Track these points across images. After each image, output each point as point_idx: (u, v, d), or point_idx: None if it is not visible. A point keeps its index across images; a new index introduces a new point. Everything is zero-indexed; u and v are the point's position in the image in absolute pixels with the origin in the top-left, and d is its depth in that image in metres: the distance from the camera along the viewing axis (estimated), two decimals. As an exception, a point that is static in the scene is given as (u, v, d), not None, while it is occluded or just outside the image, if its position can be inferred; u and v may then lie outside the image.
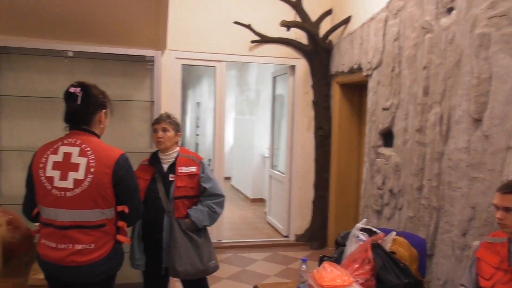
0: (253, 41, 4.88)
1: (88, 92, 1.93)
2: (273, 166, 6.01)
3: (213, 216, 2.52)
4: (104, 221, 1.90)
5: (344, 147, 4.86)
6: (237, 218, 6.31)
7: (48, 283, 2.02)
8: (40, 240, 1.95)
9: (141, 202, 2.11)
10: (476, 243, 2.30)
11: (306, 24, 4.78)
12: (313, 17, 4.89)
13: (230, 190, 8.65)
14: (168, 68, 4.65)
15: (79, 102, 1.89)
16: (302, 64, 5.09)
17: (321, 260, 2.32)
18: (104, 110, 2.02)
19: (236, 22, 4.76)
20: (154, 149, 2.64)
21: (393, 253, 2.19)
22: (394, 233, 2.33)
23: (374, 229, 2.36)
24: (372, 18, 3.83)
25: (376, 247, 2.14)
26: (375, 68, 3.74)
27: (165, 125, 2.50)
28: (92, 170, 1.85)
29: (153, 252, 2.49)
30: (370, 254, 2.08)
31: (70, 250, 1.86)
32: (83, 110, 1.92)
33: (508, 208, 1.78)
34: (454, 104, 2.60)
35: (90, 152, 1.88)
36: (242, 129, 8.26)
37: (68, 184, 1.85)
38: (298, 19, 4.86)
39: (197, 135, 12.65)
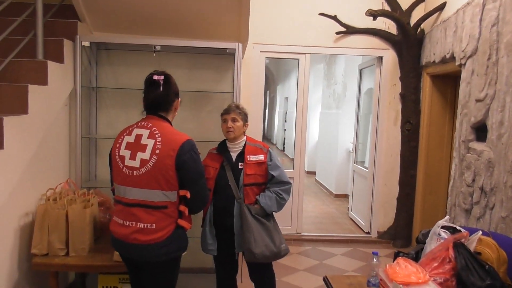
0: (338, 32, 4.80)
1: (169, 80, 2.08)
2: (357, 161, 5.87)
3: (281, 202, 2.56)
4: (167, 203, 1.97)
5: (433, 143, 4.55)
6: (318, 213, 6.27)
7: (122, 260, 2.17)
8: (113, 217, 2.10)
9: (206, 189, 2.15)
10: None
11: (394, 12, 4.56)
12: (404, 5, 4.66)
13: (314, 185, 8.60)
14: (253, 61, 4.79)
15: (161, 89, 2.03)
16: (390, 55, 4.88)
17: (396, 256, 2.23)
18: (179, 99, 2.16)
19: (321, 14, 4.71)
20: None
21: (478, 253, 2.02)
22: (480, 232, 2.15)
23: (458, 227, 2.20)
24: (468, 3, 3.53)
25: (459, 246, 1.99)
26: (469, 57, 3.45)
27: (234, 115, 2.54)
28: (157, 151, 1.94)
29: (225, 238, 2.55)
30: (451, 253, 1.95)
31: (134, 227, 1.96)
32: (164, 97, 2.06)
33: None
34: (558, 93, 2.31)
35: (159, 135, 1.98)
36: (328, 123, 8.14)
37: (136, 163, 1.96)
38: (387, 8, 4.66)
39: (285, 129, 12.76)
